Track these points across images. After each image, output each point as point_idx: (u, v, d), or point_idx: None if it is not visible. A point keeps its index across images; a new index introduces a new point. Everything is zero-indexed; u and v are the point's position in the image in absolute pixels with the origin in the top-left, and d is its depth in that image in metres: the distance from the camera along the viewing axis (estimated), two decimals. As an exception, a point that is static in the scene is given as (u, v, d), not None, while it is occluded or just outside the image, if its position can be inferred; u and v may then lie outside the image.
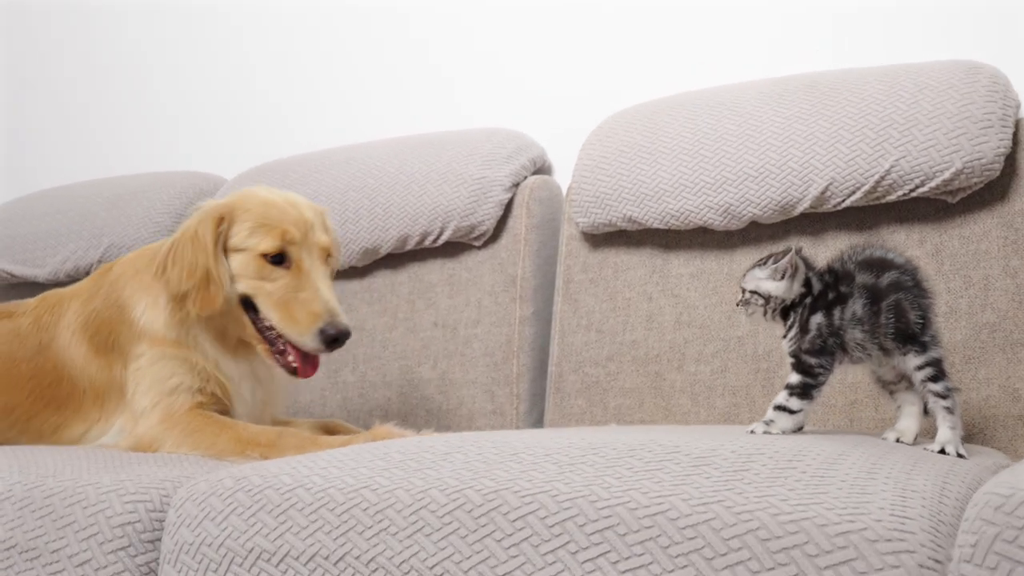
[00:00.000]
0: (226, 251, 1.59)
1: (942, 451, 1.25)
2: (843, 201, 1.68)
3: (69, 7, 2.85)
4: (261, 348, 1.62)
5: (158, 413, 1.56)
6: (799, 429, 1.31)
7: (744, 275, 1.38)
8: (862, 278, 1.30)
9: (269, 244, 1.57)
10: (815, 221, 1.74)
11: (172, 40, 2.71)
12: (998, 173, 1.61)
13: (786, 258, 1.33)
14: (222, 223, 1.59)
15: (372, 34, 2.43)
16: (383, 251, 2.07)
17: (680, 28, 2.11)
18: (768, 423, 1.29)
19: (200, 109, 2.67)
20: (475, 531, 0.98)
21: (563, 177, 2.14)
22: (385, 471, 1.10)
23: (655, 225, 1.82)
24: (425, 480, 1.05)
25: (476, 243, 2.02)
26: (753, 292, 1.35)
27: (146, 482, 1.25)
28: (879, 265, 1.31)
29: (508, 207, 2.02)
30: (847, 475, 0.98)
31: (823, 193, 1.68)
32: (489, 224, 1.99)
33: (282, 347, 1.59)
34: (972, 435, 1.57)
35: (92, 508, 1.20)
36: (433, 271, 2.06)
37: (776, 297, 1.34)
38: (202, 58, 2.67)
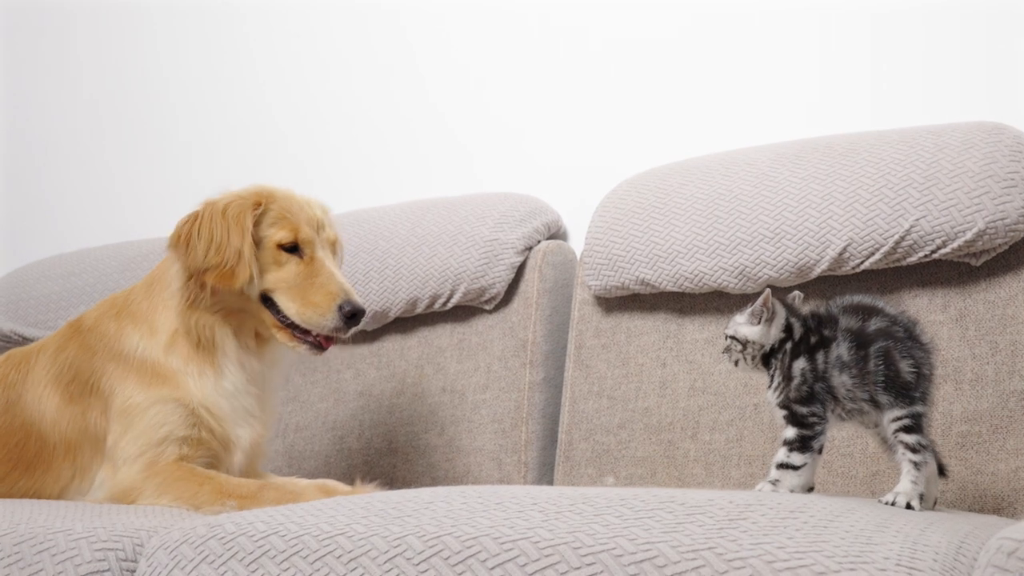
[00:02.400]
0: None
1: (892, 503, 1.17)
2: (862, 263, 1.62)
3: (93, 72, 2.90)
4: (282, 335, 1.64)
5: (141, 463, 1.51)
6: (809, 489, 1.23)
7: (728, 321, 1.33)
8: (846, 322, 1.25)
9: (284, 235, 1.62)
10: (834, 284, 1.68)
11: (192, 102, 2.73)
12: (1023, 234, 1.55)
13: (760, 299, 1.27)
14: (258, 208, 1.63)
15: (395, 103, 2.44)
16: (392, 315, 2.04)
17: (699, 98, 2.09)
18: (774, 483, 1.22)
19: (220, 172, 2.67)
20: (451, 579, 0.92)
21: (580, 245, 2.10)
22: (363, 518, 1.04)
23: (669, 288, 1.77)
24: (403, 527, 0.99)
25: (487, 307, 1.98)
26: (732, 337, 1.30)
27: (120, 530, 1.19)
28: (866, 311, 1.25)
29: (520, 271, 1.98)
30: (852, 527, 0.91)
31: (841, 255, 1.62)
32: (500, 287, 1.95)
33: (303, 329, 1.63)
34: (1001, 508, 1.48)
35: (61, 555, 1.15)
36: (443, 335, 2.02)
37: (753, 342, 1.28)
38: (222, 122, 2.68)
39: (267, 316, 1.64)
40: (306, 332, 1.63)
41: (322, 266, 1.64)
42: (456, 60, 2.36)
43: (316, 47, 2.55)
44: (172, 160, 2.76)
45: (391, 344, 2.07)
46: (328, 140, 2.52)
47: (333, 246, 1.71)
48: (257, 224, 1.62)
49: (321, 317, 1.59)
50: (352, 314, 1.60)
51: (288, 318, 1.63)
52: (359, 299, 1.63)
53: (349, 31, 2.50)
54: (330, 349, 1.69)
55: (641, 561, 0.85)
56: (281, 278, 1.62)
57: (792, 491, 1.21)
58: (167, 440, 1.54)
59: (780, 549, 0.83)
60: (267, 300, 1.65)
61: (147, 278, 1.72)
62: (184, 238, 1.61)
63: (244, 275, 1.58)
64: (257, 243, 1.62)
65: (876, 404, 1.23)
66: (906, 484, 1.18)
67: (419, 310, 2.02)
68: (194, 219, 1.62)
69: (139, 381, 1.59)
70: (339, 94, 2.51)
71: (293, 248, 1.63)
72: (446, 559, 0.93)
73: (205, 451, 1.58)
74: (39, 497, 1.60)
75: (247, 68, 2.65)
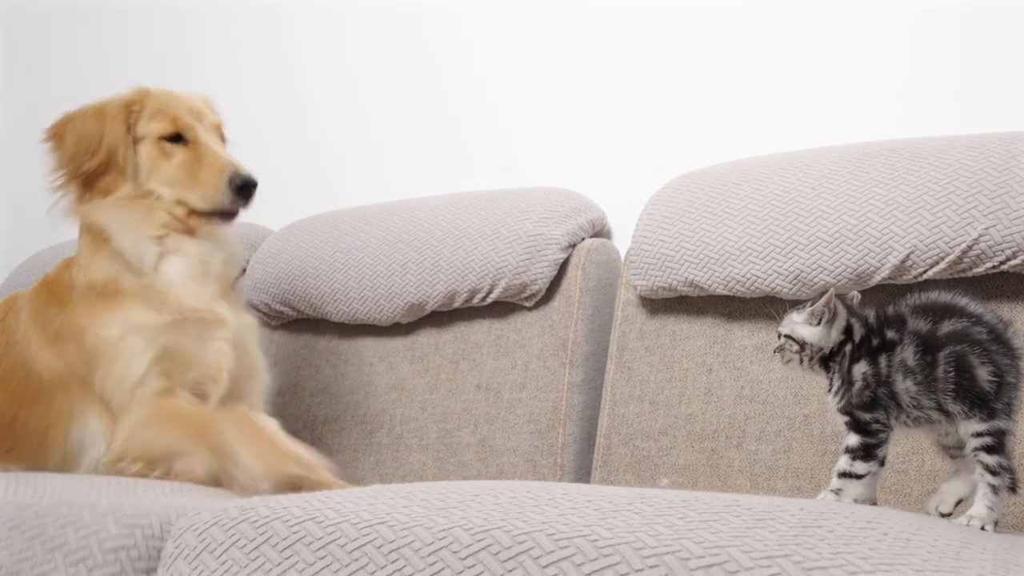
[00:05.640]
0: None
1: (966, 526, 1.09)
2: (925, 272, 1.55)
3: (130, 55, 2.87)
4: (180, 213, 1.68)
5: (133, 407, 1.53)
6: (873, 503, 1.16)
7: (781, 319, 1.25)
8: (915, 324, 1.16)
9: (163, 127, 1.66)
10: (893, 294, 1.60)
11: (231, 90, 2.69)
12: (1098, 248, 1.47)
13: (823, 299, 1.20)
14: (134, 107, 1.67)
15: (443, 94, 2.39)
16: (429, 307, 1.98)
17: (750, 100, 2.02)
18: (836, 492, 1.15)
19: (260, 160, 2.62)
20: (501, 575, 0.86)
21: (623, 244, 2.04)
22: (405, 508, 0.98)
23: (718, 290, 1.71)
24: (449, 519, 0.93)
25: (527, 303, 1.92)
26: (788, 337, 1.22)
27: (147, 507, 1.14)
28: (940, 311, 1.16)
29: (563, 268, 1.92)
30: (937, 541, 0.85)
31: (903, 262, 1.55)
32: (542, 283, 1.89)
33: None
34: (1066, 534, 1.41)
35: (85, 530, 1.09)
36: (480, 331, 1.96)
37: (812, 344, 1.20)
38: (261, 109, 2.64)
39: (179, 210, 1.67)
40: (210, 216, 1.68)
41: (207, 148, 1.67)
42: (504, 52, 2.31)
43: (362, 36, 2.51)
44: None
45: (426, 338, 2.01)
46: (369, 129, 2.47)
47: (218, 130, 1.74)
48: (136, 123, 1.66)
49: (215, 191, 1.64)
50: (243, 185, 1.64)
51: (191, 206, 1.67)
52: (249, 171, 1.66)
53: (396, 20, 2.46)
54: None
55: (710, 566, 0.78)
56: (170, 169, 1.66)
57: (856, 501, 1.14)
58: (146, 376, 1.54)
59: (863, 560, 0.76)
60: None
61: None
62: (57, 133, 1.67)
63: (123, 176, 1.64)
64: (139, 140, 1.66)
65: (946, 413, 1.15)
66: (981, 508, 1.10)
67: (457, 304, 1.96)
68: (67, 116, 1.66)
69: (98, 305, 1.61)
70: (383, 83, 2.47)
71: (177, 138, 1.67)
72: (495, 554, 0.87)
73: (182, 365, 1.58)
74: (46, 435, 1.60)
75: (290, 57, 2.61)
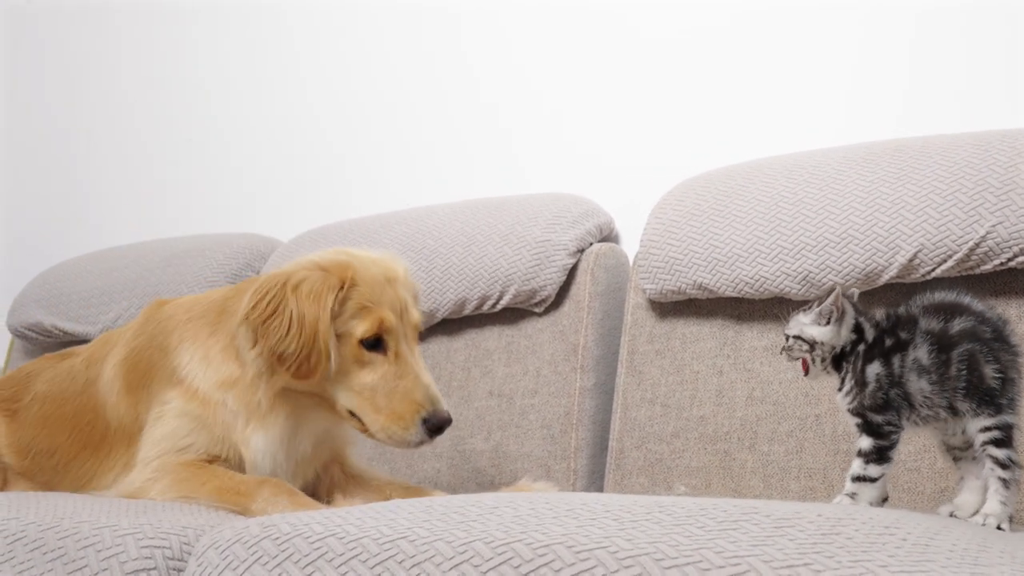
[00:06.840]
0: None
1: (982, 525, 1.09)
2: (933, 270, 1.55)
3: (133, 69, 2.88)
4: (354, 424, 1.49)
5: (155, 463, 1.46)
6: (884, 501, 1.17)
7: (788, 321, 1.26)
8: (927, 323, 1.17)
9: (366, 328, 1.42)
10: (902, 293, 1.61)
11: (232, 100, 2.70)
12: (1106, 243, 1.48)
13: (830, 298, 1.21)
14: (342, 289, 1.42)
15: (442, 98, 2.40)
16: (440, 315, 1.99)
17: (753, 102, 2.03)
18: (852, 496, 1.16)
19: (263, 170, 2.64)
20: (522, 589, 0.86)
21: (630, 248, 2.05)
22: (425, 522, 0.99)
23: (727, 292, 1.71)
24: (469, 532, 0.94)
25: (537, 309, 1.92)
26: (796, 338, 1.22)
27: (167, 528, 1.15)
28: (950, 310, 1.17)
29: (572, 273, 1.93)
30: (955, 546, 0.85)
31: (911, 261, 1.56)
32: (551, 289, 1.90)
33: None
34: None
35: (106, 552, 1.10)
36: (491, 338, 1.97)
37: (822, 343, 1.21)
38: (263, 120, 2.65)
39: (354, 423, 1.48)
40: None
41: (407, 367, 1.44)
42: (505, 55, 2.32)
43: (359, 42, 2.51)
44: (214, 157, 2.73)
45: (437, 346, 2.02)
46: (370, 137, 2.48)
47: (416, 330, 1.50)
48: (338, 313, 1.41)
49: (404, 431, 1.41)
50: (438, 427, 1.43)
51: (368, 430, 1.46)
52: (445, 405, 1.44)
53: (395, 27, 2.46)
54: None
55: (731, 576, 0.79)
56: (365, 384, 1.43)
57: (870, 504, 1.15)
58: (188, 450, 1.47)
59: (883, 568, 0.77)
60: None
61: (219, 303, 1.56)
62: (259, 315, 1.41)
63: (322, 368, 1.40)
64: (337, 336, 1.42)
65: (955, 411, 1.15)
66: (995, 505, 1.11)
67: (467, 311, 1.97)
68: (268, 294, 1.42)
69: (183, 396, 1.51)
70: (383, 87, 2.47)
71: (376, 342, 1.44)
72: (516, 567, 0.88)
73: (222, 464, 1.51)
74: (97, 480, 1.57)
75: (289, 65, 2.62)
